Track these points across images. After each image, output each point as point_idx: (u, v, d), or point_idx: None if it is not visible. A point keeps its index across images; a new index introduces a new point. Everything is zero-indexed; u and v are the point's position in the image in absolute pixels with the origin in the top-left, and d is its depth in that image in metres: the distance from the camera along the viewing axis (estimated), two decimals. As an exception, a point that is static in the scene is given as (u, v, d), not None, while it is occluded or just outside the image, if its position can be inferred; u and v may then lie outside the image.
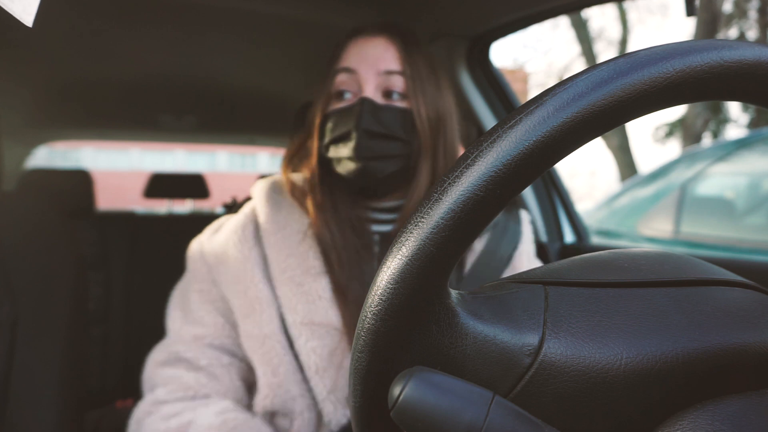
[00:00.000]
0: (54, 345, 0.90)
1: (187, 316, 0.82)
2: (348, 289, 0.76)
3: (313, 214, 0.79)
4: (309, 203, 0.80)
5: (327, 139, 0.78)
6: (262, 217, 0.81)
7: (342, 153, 0.76)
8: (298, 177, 0.85)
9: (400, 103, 0.78)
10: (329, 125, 0.78)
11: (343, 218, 0.80)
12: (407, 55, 0.80)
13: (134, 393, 1.91)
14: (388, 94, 0.78)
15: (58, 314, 0.92)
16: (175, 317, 0.83)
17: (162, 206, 3.58)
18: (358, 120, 0.74)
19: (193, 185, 2.91)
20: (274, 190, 0.84)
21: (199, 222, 2.11)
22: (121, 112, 2.05)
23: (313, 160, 0.81)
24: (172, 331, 0.82)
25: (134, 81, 1.66)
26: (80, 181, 1.95)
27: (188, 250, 0.86)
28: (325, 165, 0.81)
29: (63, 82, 1.63)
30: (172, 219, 2.16)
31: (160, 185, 2.89)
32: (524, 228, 0.92)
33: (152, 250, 1.98)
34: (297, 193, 0.82)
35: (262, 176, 2.57)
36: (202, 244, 0.84)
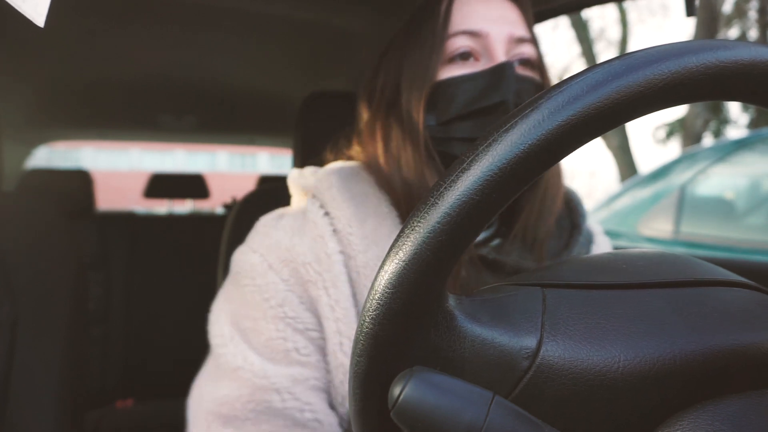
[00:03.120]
0: (54, 345, 0.90)
1: (269, 352, 0.61)
2: None
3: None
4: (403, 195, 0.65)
5: (451, 113, 0.63)
6: (339, 212, 0.64)
7: (479, 131, 0.62)
8: (353, 165, 0.70)
9: (533, 75, 0.66)
10: (452, 96, 0.63)
11: None
12: (529, 19, 0.68)
13: (134, 393, 1.92)
14: (519, 62, 0.65)
15: (58, 314, 0.92)
16: (247, 359, 0.60)
17: (162, 206, 3.58)
18: (507, 88, 0.59)
19: (193, 185, 2.92)
20: (344, 177, 0.67)
21: (199, 222, 2.13)
22: (121, 112, 2.05)
23: (418, 140, 0.63)
24: (247, 377, 0.59)
25: (134, 81, 1.66)
26: (80, 181, 1.95)
27: (234, 262, 0.67)
28: (435, 146, 0.65)
29: (63, 82, 1.63)
30: (172, 219, 2.16)
31: (160, 185, 2.89)
32: (598, 238, 0.78)
33: (152, 250, 1.99)
34: (384, 189, 0.66)
35: (263, 176, 2.55)
36: (261, 251, 0.64)
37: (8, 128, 1.97)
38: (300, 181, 0.73)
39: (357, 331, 0.28)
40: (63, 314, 0.92)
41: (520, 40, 0.65)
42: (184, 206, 4.17)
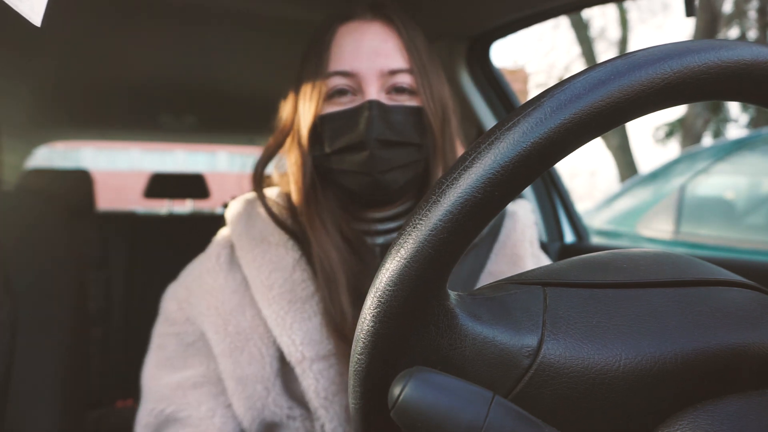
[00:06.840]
0: (54, 345, 0.90)
1: (167, 364, 0.72)
2: (343, 317, 0.66)
3: (309, 233, 0.70)
4: (302, 220, 0.72)
5: (328, 148, 0.69)
6: (235, 236, 0.73)
7: (350, 165, 0.68)
8: (272, 191, 0.77)
9: (408, 101, 0.70)
10: (329, 131, 0.69)
11: (339, 236, 0.71)
12: (410, 44, 0.71)
13: (134, 393, 1.91)
14: (394, 91, 0.70)
15: (58, 314, 0.92)
16: (152, 375, 0.73)
17: (162, 206, 3.58)
18: (368, 128, 0.65)
19: (193, 185, 2.91)
20: (246, 207, 0.76)
21: (200, 222, 2.13)
22: (121, 112, 2.06)
23: (304, 169, 0.71)
24: (152, 390, 0.72)
25: (135, 81, 1.66)
26: (80, 181, 1.95)
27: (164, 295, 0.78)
28: (323, 175, 0.73)
29: (63, 81, 1.63)
30: (172, 219, 2.16)
31: (161, 185, 2.89)
32: (521, 215, 0.82)
33: (152, 250, 1.98)
34: (274, 209, 0.74)
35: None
36: (174, 284, 0.77)
37: (8, 128, 1.97)
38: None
39: (357, 330, 0.28)
40: (63, 314, 0.92)
41: (393, 72, 0.69)
42: (184, 206, 4.16)
